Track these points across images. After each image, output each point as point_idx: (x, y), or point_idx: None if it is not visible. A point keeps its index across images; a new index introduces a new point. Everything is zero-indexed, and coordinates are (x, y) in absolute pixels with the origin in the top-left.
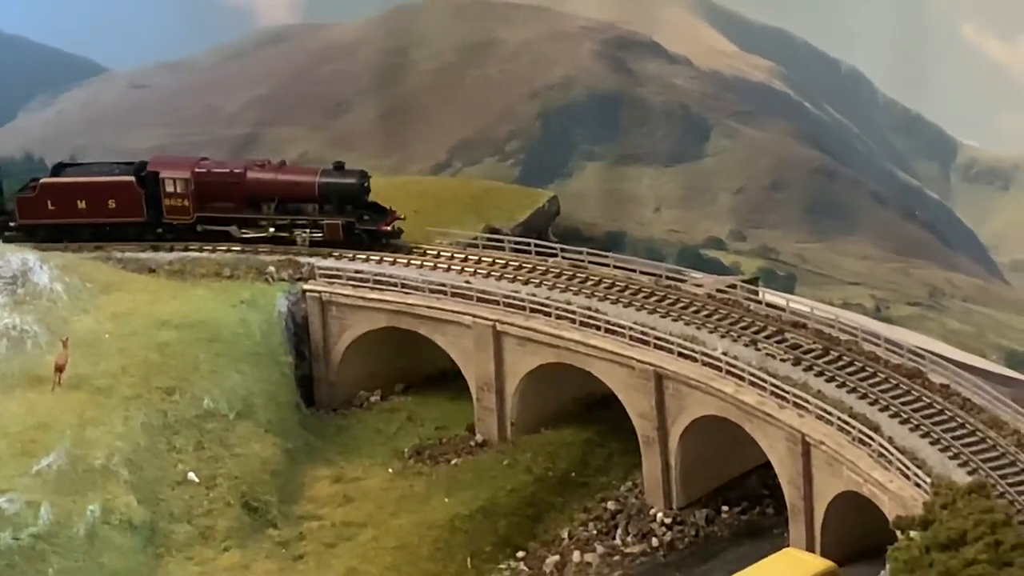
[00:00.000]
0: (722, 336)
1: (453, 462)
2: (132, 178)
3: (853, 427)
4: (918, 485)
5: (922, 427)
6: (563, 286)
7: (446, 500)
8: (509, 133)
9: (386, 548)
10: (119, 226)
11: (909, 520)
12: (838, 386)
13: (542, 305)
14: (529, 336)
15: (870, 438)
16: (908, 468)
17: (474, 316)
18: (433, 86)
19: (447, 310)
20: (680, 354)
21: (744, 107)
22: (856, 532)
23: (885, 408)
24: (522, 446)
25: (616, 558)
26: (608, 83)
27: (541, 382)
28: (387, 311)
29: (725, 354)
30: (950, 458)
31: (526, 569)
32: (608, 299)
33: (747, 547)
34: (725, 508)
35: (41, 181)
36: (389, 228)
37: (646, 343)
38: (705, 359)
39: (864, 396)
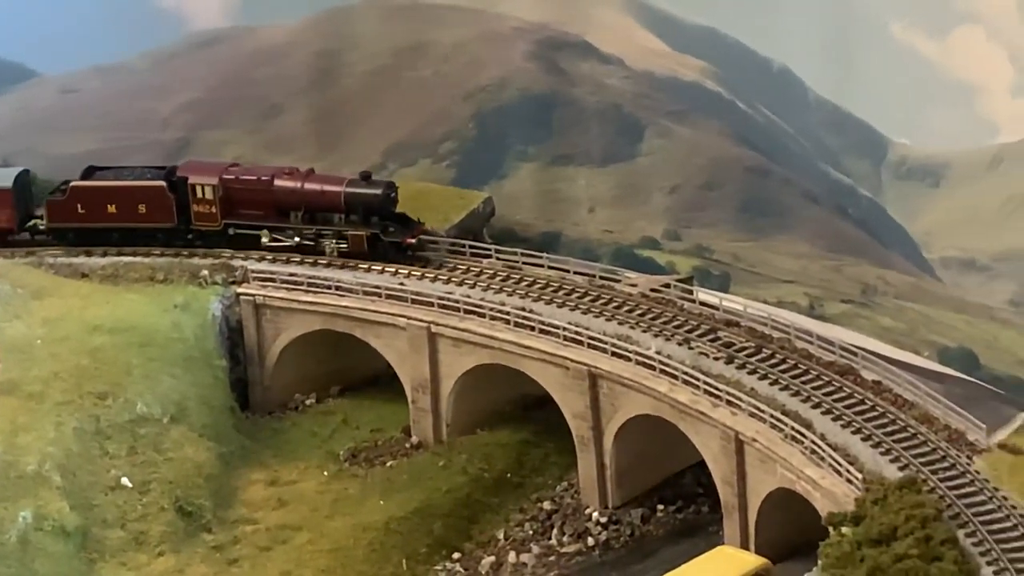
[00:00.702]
0: (656, 335)
1: (388, 464)
2: (163, 183)
3: (786, 424)
4: (850, 481)
5: (854, 424)
6: (497, 287)
7: (381, 502)
8: (443, 135)
9: (321, 551)
10: (149, 231)
11: (841, 516)
12: (771, 384)
13: (476, 306)
14: (464, 337)
15: (802, 435)
16: (840, 464)
17: (408, 318)
18: (367, 88)
19: (381, 312)
20: (614, 353)
21: (677, 107)
22: (790, 529)
23: (817, 405)
24: (458, 447)
25: (552, 558)
26: (541, 84)
27: (476, 383)
28: (321, 314)
29: (659, 353)
30: (882, 454)
31: (462, 570)
32: (542, 299)
33: (683, 545)
34: (660, 507)
35: (71, 184)
36: (413, 241)
37: (580, 343)
38: (639, 358)
39: (797, 393)
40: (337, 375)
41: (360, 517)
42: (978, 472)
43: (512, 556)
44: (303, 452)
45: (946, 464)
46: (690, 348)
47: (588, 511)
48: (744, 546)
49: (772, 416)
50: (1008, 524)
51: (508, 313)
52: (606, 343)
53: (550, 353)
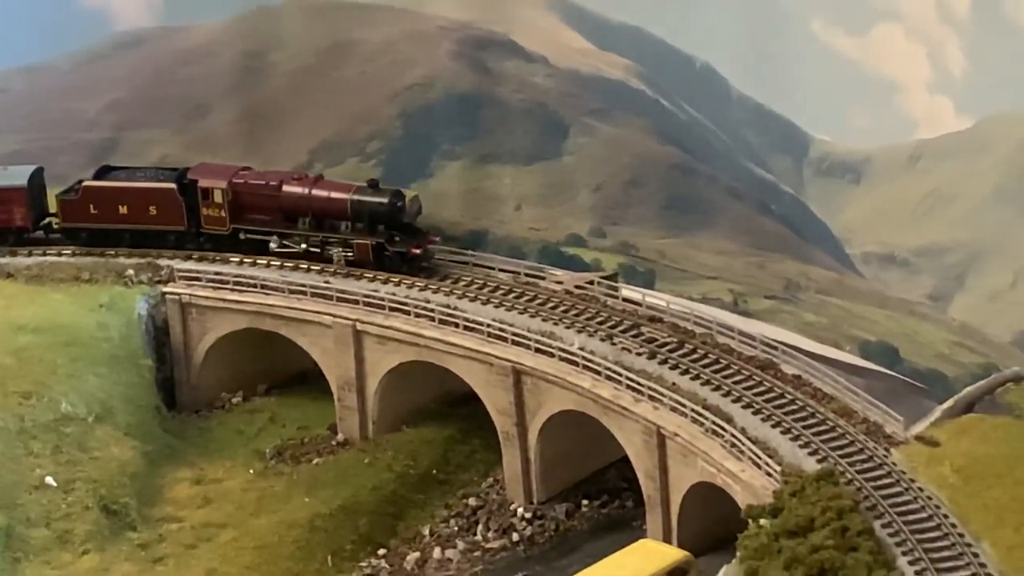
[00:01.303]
0: (579, 332)
1: (315, 462)
2: (173, 185)
3: (706, 419)
4: (769, 474)
5: (774, 417)
6: (422, 284)
7: (307, 499)
8: (370, 133)
9: (246, 548)
10: (160, 233)
11: (759, 509)
12: (692, 378)
13: (401, 304)
14: (389, 335)
15: (723, 429)
16: (759, 458)
17: (334, 316)
18: (293, 88)
19: (307, 310)
20: (538, 350)
21: (602, 105)
22: (712, 523)
23: (738, 399)
24: (383, 445)
25: (477, 554)
26: (467, 83)
27: (402, 380)
28: (247, 312)
29: (582, 349)
30: (801, 447)
31: (387, 567)
32: (467, 297)
33: (607, 540)
34: (585, 502)
35: (83, 184)
36: (419, 251)
37: (504, 340)
38: (562, 354)
39: (718, 388)
40: (264, 374)
41: (285, 515)
42: (895, 464)
43: (437, 552)
44: (229, 450)
45: (863, 456)
46: (613, 344)
47: (513, 507)
48: (667, 539)
49: (693, 411)
50: (924, 515)
51: (433, 310)
52: (530, 340)
53: (474, 350)
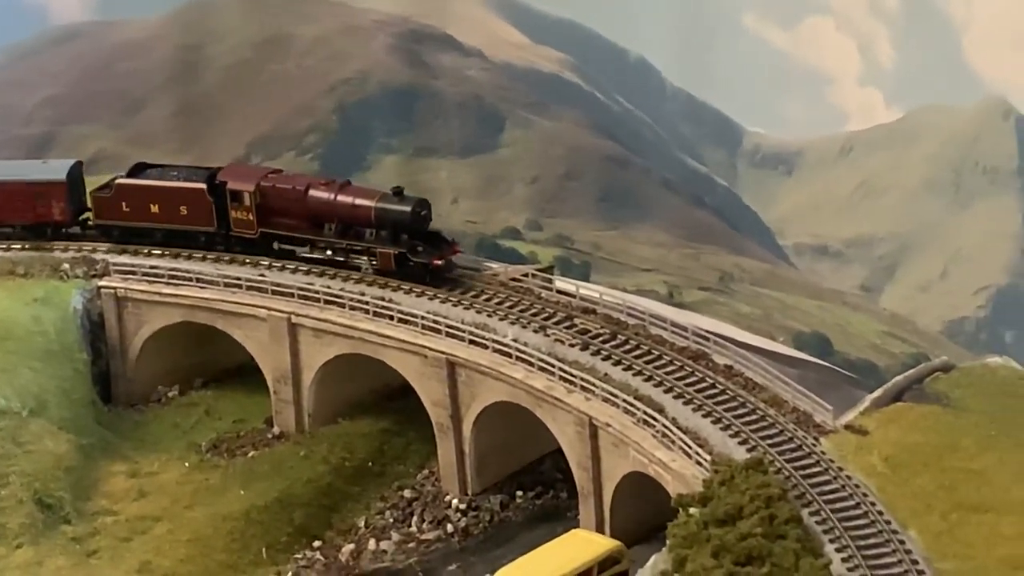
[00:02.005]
0: (512, 323)
1: (250, 455)
2: (203, 186)
3: (638, 409)
4: (699, 463)
5: (705, 407)
6: (357, 277)
7: (242, 492)
8: (307, 127)
9: (180, 541)
10: (190, 234)
11: (689, 498)
12: (625, 369)
13: (336, 296)
14: (324, 327)
15: (654, 419)
16: (690, 447)
17: (269, 309)
18: (230, 82)
19: (242, 303)
20: (472, 341)
21: (537, 98)
22: (645, 512)
23: (670, 390)
24: (319, 437)
25: (411, 545)
26: (403, 76)
27: (338, 373)
28: (183, 306)
29: (515, 341)
30: (731, 436)
31: (322, 558)
32: (401, 290)
33: (541, 531)
34: (520, 493)
35: (116, 181)
36: (440, 263)
37: (438, 331)
38: (495, 346)
39: (650, 378)
40: (200, 367)
41: (220, 507)
42: (824, 453)
43: (372, 543)
44: (165, 444)
45: (793, 445)
46: (547, 335)
47: (448, 498)
48: (600, 529)
49: (625, 401)
50: (851, 503)
51: (367, 303)
52: (464, 331)
53: (409, 342)
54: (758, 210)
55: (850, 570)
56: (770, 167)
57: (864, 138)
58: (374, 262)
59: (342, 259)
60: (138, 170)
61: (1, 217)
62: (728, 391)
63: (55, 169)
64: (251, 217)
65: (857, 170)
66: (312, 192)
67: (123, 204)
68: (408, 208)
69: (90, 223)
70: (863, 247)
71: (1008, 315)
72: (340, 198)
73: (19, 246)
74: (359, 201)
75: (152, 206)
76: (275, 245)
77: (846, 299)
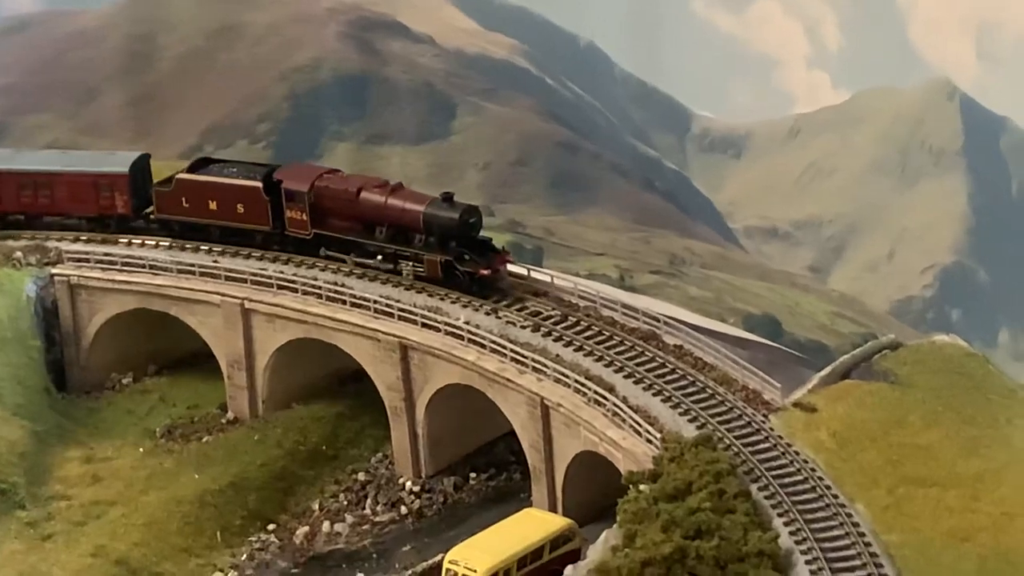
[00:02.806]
0: (464, 306)
1: (204, 440)
2: (259, 184)
3: (589, 388)
4: (650, 441)
5: (655, 386)
6: (310, 263)
7: (196, 476)
8: (259, 116)
9: (135, 525)
10: (248, 232)
11: (639, 475)
12: (575, 350)
13: (289, 282)
14: (277, 312)
15: (605, 398)
16: (640, 426)
17: (222, 295)
18: (182, 71)
19: (195, 290)
20: (424, 325)
21: (488, 84)
22: (597, 492)
23: (620, 369)
24: (273, 422)
25: (366, 527)
26: (355, 64)
27: (291, 358)
28: (137, 293)
29: (467, 323)
30: (681, 414)
31: (276, 541)
32: (354, 275)
33: (494, 512)
34: (473, 475)
35: (176, 176)
36: (486, 272)
37: (390, 315)
38: (448, 328)
39: (600, 359)
40: (155, 354)
41: (174, 491)
42: (773, 430)
43: (326, 526)
44: (119, 430)
45: (742, 423)
46: (498, 318)
47: (402, 481)
48: (552, 509)
49: (576, 381)
50: (799, 478)
51: (320, 288)
52: (416, 315)
53: (361, 326)
54: (708, 193)
55: (798, 543)
56: (719, 151)
57: (811, 120)
58: (419, 269)
59: (391, 265)
60: (200, 165)
61: (66, 209)
62: (678, 370)
63: (119, 161)
64: (305, 217)
65: (805, 152)
66: (364, 194)
67: (183, 200)
68: (456, 215)
69: (152, 217)
70: (811, 229)
71: (954, 294)
72: (391, 201)
73: (86, 238)
74: (408, 205)
75: (210, 203)
76: (321, 251)
77: (795, 280)
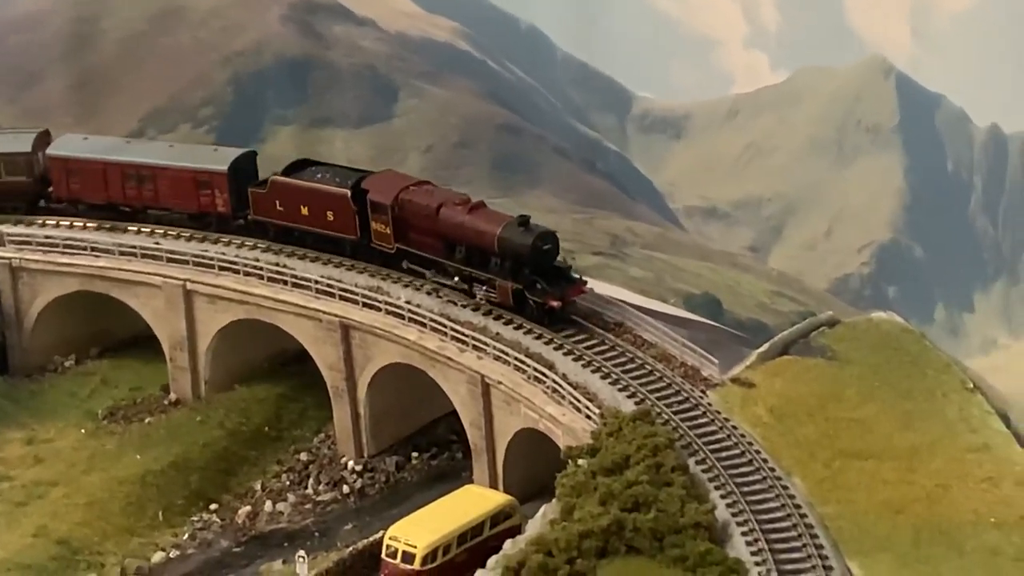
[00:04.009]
0: (405, 286)
1: (147, 421)
2: (347, 192)
3: (528, 366)
4: (589, 417)
5: (594, 363)
6: (251, 243)
7: (138, 457)
8: (202, 99)
9: (77, 505)
10: (336, 241)
11: (578, 449)
12: (515, 328)
13: (231, 263)
14: (219, 294)
15: (545, 375)
16: (580, 402)
17: (164, 276)
18: (124, 55)
19: (137, 272)
20: (365, 304)
21: (430, 67)
22: (537, 470)
23: (560, 347)
24: (215, 403)
25: (308, 506)
26: (297, 48)
27: (234, 340)
28: (79, 275)
29: (408, 303)
30: (620, 390)
31: (218, 520)
32: (296, 255)
33: (436, 490)
34: (415, 455)
35: (271, 178)
36: (556, 304)
37: (331, 295)
38: (388, 308)
39: (540, 337)
40: (97, 337)
41: (116, 472)
42: (711, 405)
43: (268, 505)
44: (61, 412)
45: (680, 398)
46: (439, 297)
47: (344, 460)
48: (493, 486)
49: (516, 359)
50: (736, 451)
51: (262, 268)
52: (357, 294)
53: (302, 306)
54: (648, 174)
55: (735, 515)
56: (659, 131)
57: (750, 100)
58: (492, 294)
59: (466, 288)
60: (297, 167)
61: (169, 203)
62: (617, 347)
63: (219, 158)
64: (388, 231)
65: (744, 132)
66: (443, 211)
67: (277, 202)
68: (528, 241)
69: (248, 218)
70: (751, 208)
71: (891, 270)
72: (468, 221)
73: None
74: (484, 227)
75: (302, 208)
76: (404, 263)
77: (735, 260)
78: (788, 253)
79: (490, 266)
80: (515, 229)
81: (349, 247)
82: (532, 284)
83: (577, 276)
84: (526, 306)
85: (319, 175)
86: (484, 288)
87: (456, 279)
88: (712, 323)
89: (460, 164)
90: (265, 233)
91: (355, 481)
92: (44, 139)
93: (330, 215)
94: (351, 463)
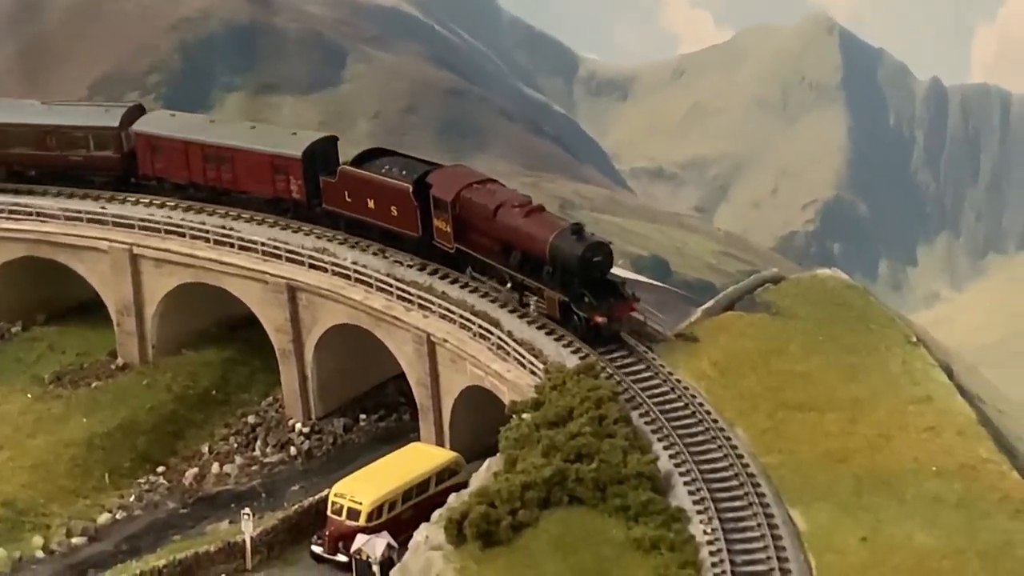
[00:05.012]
0: (351, 247)
1: (93, 385)
2: (409, 186)
3: (474, 323)
4: (534, 373)
5: (539, 320)
6: (198, 207)
7: (84, 420)
8: (149, 67)
9: (22, 467)
10: (400, 236)
11: (522, 404)
12: (462, 287)
13: (177, 226)
14: (165, 257)
15: (490, 332)
16: (524, 358)
17: (110, 241)
18: (71, 22)
19: (83, 236)
20: (311, 265)
21: (377, 31)
22: (483, 429)
23: (505, 305)
24: (163, 367)
25: (255, 468)
26: (244, 13)
27: (181, 304)
28: (24, 241)
29: (355, 263)
30: (564, 347)
31: (165, 482)
32: (242, 218)
33: (383, 452)
34: (363, 416)
35: (340, 167)
36: (601, 320)
37: (278, 257)
38: (335, 268)
39: (486, 295)
40: (44, 303)
41: (62, 435)
42: (655, 359)
43: (215, 467)
44: (7, 377)
45: (624, 353)
46: (385, 258)
47: (291, 423)
48: (440, 445)
49: (462, 316)
50: (679, 404)
51: (208, 232)
52: (303, 256)
53: (249, 268)
54: (595, 136)
55: (677, 465)
56: (606, 93)
57: (695, 60)
58: (542, 305)
59: (518, 295)
60: (367, 156)
61: (246, 187)
62: None
63: (296, 142)
64: (448, 230)
65: (690, 92)
66: (500, 212)
67: (345, 193)
68: (578, 252)
69: (320, 207)
70: (697, 169)
71: (835, 227)
72: (523, 225)
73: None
74: (537, 232)
75: (369, 200)
76: (467, 270)
77: (682, 221)
78: (734, 212)
79: (542, 275)
80: (567, 237)
81: (412, 244)
82: (579, 297)
83: (630, 293)
84: (572, 320)
85: (386, 167)
86: (535, 298)
87: (508, 286)
88: (660, 284)
89: (408, 129)
90: (337, 224)
91: (302, 443)
92: (136, 114)
93: (394, 209)
94: (298, 425)
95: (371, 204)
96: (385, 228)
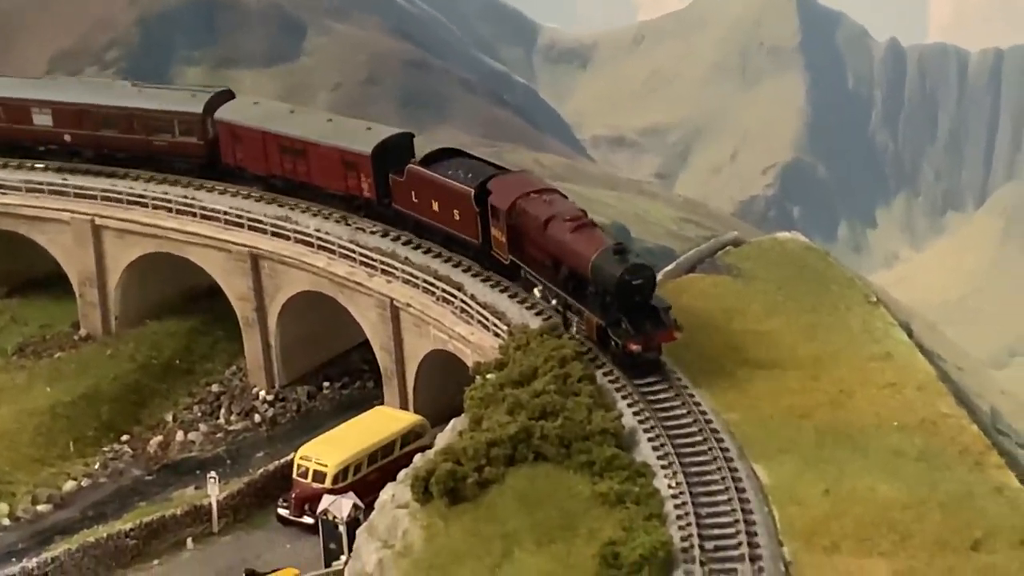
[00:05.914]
0: (314, 215)
1: (57, 356)
2: (471, 191)
3: (437, 288)
4: (498, 335)
5: (502, 284)
6: (161, 178)
7: (48, 389)
8: (108, 41)
9: None
10: (462, 243)
11: (487, 365)
12: (425, 252)
13: (139, 197)
14: (128, 228)
15: (453, 296)
16: (488, 320)
17: (72, 212)
18: None
19: (45, 208)
20: (274, 233)
21: (336, 4)
22: (448, 393)
23: (468, 269)
24: (126, 338)
25: (219, 435)
26: None
27: (144, 275)
28: None
29: (317, 230)
30: (527, 309)
31: (129, 450)
32: (204, 188)
33: (347, 418)
34: (326, 384)
35: (407, 166)
36: (635, 348)
37: (240, 226)
38: (298, 236)
39: (448, 260)
40: (6, 275)
41: (26, 404)
42: None
43: (180, 435)
44: None
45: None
46: (348, 224)
47: (255, 390)
48: (404, 410)
49: (425, 281)
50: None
51: (170, 201)
52: (266, 224)
53: (212, 237)
54: (555, 105)
55: (641, 422)
56: (566, 62)
57: (655, 27)
58: (583, 327)
59: (561, 312)
60: (438, 156)
61: (319, 182)
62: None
63: (368, 138)
64: (504, 239)
65: (649, 59)
66: (551, 225)
67: (412, 193)
68: (616, 273)
69: (388, 205)
70: (657, 135)
71: (794, 191)
72: (570, 240)
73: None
74: (582, 250)
75: (433, 203)
76: (521, 272)
77: (643, 188)
78: (694, 179)
79: (586, 295)
80: (609, 257)
81: (471, 250)
82: (616, 322)
83: (673, 320)
84: (609, 346)
85: (452, 169)
86: (577, 319)
87: (553, 302)
88: None
89: (369, 102)
90: (406, 225)
91: (266, 411)
92: (222, 99)
93: (456, 214)
94: (262, 393)
95: (435, 206)
96: (448, 232)
